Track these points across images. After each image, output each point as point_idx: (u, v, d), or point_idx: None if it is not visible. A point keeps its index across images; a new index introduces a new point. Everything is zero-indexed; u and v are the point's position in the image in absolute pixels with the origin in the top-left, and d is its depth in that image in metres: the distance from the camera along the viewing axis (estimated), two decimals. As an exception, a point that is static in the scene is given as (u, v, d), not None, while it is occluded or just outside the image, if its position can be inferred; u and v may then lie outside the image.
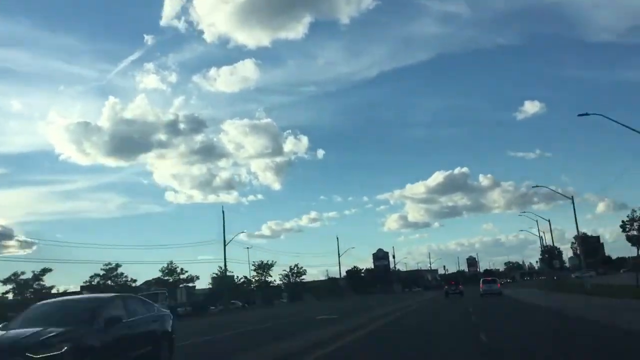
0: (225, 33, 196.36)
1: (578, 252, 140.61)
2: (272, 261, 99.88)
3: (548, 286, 72.99)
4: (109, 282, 65.60)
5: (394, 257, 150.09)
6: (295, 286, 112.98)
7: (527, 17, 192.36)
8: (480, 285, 58.58)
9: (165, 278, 75.54)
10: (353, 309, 42.71)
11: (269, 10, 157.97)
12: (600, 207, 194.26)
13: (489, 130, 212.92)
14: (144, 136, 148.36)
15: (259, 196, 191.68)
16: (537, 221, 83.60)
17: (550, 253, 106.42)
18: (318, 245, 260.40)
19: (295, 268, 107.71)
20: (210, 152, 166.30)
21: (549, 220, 75.48)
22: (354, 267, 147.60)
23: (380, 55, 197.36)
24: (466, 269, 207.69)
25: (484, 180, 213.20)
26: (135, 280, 68.58)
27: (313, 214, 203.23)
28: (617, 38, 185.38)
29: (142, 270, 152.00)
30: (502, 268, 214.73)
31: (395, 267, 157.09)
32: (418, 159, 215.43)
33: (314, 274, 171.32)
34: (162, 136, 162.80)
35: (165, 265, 75.67)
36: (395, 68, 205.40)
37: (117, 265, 66.12)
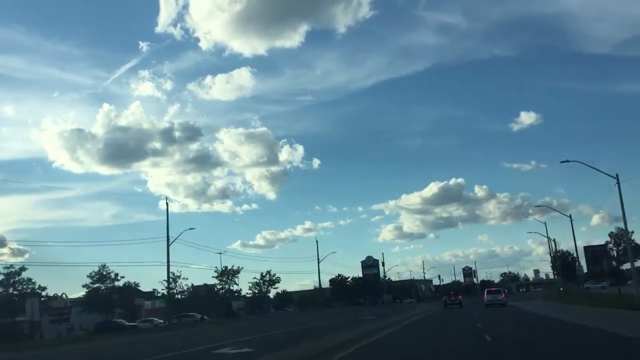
0: (221, 41, 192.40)
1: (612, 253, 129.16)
2: (239, 267, 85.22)
3: (567, 298, 58.88)
4: (11, 289, 51.14)
5: (383, 264, 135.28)
6: (278, 295, 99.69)
7: (523, 29, 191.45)
8: (485, 295, 56.86)
9: (96, 285, 60.84)
10: (307, 331, 29.42)
11: (265, 18, 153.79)
12: (596, 219, 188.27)
13: (484, 141, 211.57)
14: (138, 144, 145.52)
15: (254, 205, 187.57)
16: (545, 223, 70.80)
17: (564, 259, 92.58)
18: (312, 255, 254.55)
19: (268, 276, 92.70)
20: (205, 161, 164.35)
21: (569, 216, 61.88)
22: (338, 275, 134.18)
23: (377, 65, 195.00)
24: (462, 280, 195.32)
25: (479, 191, 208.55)
26: (45, 288, 54.19)
27: (308, 224, 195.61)
28: (612, 50, 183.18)
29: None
30: (497, 279, 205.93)
31: (385, 276, 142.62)
32: (413, 169, 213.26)
33: (306, 283, 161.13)
34: (157, 144, 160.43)
35: (97, 269, 60.92)
36: (392, 78, 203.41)
37: (22, 269, 51.68)
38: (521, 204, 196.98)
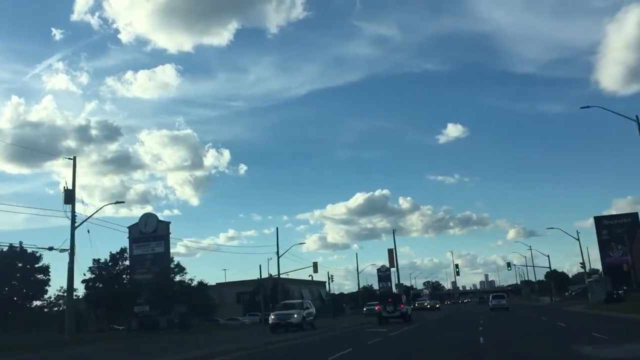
0: (144, 34, 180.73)
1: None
2: None
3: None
4: None
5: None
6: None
7: (455, 45, 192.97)
8: (490, 299, 66.64)
9: None
10: None
11: (192, 11, 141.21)
12: (511, 233, 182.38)
13: (411, 153, 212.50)
14: (50, 142, 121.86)
15: (176, 211, 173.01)
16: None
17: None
18: (234, 264, 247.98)
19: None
20: (124, 163, 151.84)
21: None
22: (95, 265, 62.17)
23: (310, 74, 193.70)
24: (376, 285, 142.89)
25: (403, 202, 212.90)
26: None
27: (231, 232, 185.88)
28: (537, 70, 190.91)
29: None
30: (420, 287, 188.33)
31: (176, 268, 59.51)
32: (340, 180, 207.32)
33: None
34: (71, 143, 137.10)
35: None
36: (325, 88, 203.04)
37: None
38: (443, 216, 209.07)
